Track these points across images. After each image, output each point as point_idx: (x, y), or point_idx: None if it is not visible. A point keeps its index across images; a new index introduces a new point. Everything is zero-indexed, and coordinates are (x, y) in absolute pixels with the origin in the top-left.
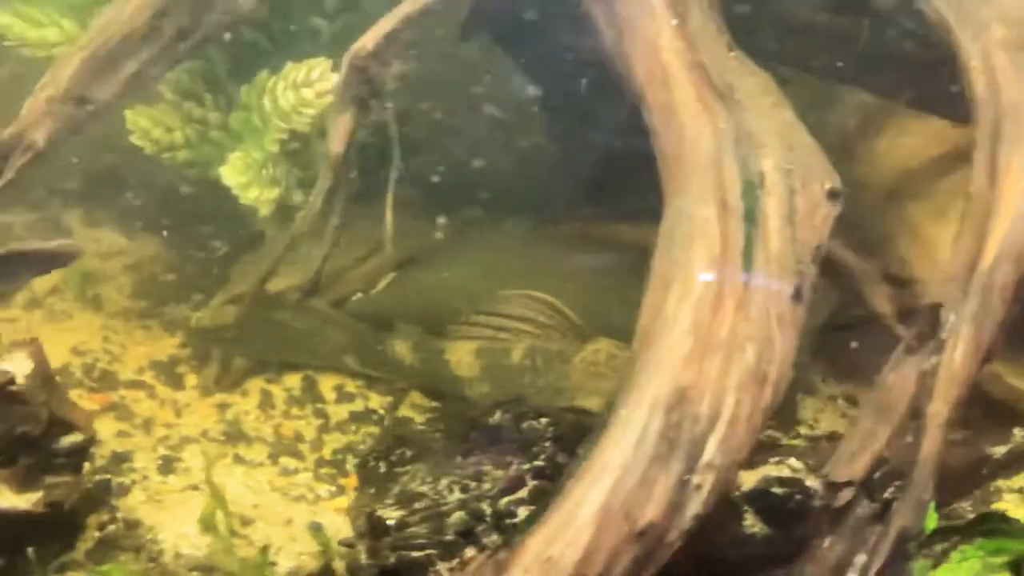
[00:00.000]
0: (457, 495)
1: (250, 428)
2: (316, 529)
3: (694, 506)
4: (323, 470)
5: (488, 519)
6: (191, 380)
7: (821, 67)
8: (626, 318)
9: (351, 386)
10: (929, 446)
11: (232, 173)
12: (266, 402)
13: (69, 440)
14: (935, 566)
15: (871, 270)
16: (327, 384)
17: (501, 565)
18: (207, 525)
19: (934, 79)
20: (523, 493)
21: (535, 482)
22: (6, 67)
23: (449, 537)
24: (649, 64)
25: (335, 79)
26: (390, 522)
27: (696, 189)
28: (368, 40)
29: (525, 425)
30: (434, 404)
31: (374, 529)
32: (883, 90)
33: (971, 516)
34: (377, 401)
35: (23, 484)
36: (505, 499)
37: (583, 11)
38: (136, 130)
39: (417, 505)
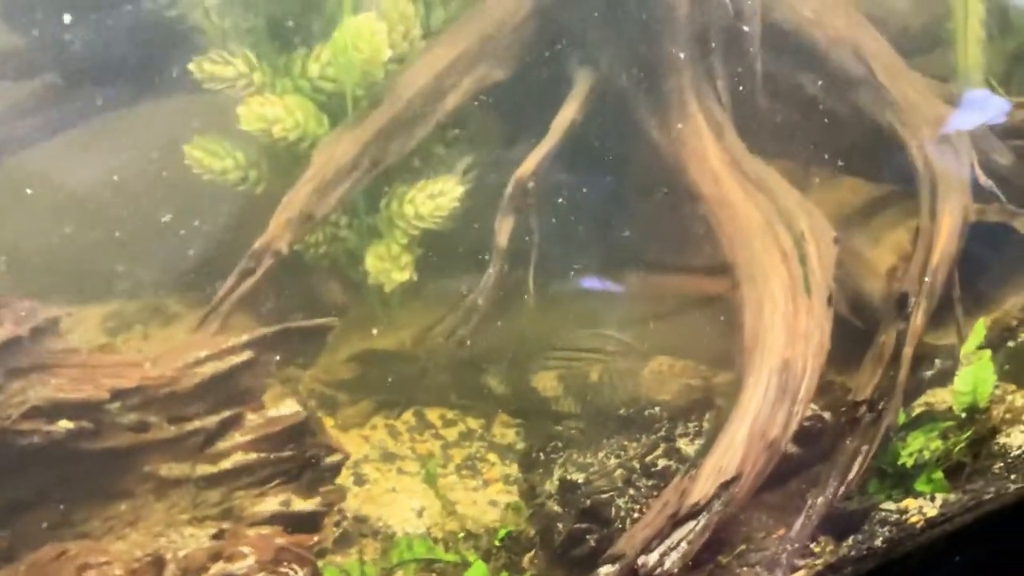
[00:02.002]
0: (614, 460)
1: (395, 450)
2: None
3: (793, 426)
4: (463, 472)
5: (638, 471)
6: (329, 421)
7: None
8: (676, 340)
9: (451, 414)
10: (903, 375)
11: (375, 260)
12: (393, 432)
13: (331, 459)
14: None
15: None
16: (433, 415)
17: (692, 477)
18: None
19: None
20: (659, 452)
21: (664, 444)
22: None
23: (619, 484)
24: (701, 168)
25: (459, 191)
26: (579, 479)
27: (759, 246)
28: (530, 164)
29: (646, 412)
30: (518, 421)
31: (565, 489)
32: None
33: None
34: (474, 423)
35: (308, 492)
36: (648, 457)
37: (645, 134)
38: None
39: (592, 470)
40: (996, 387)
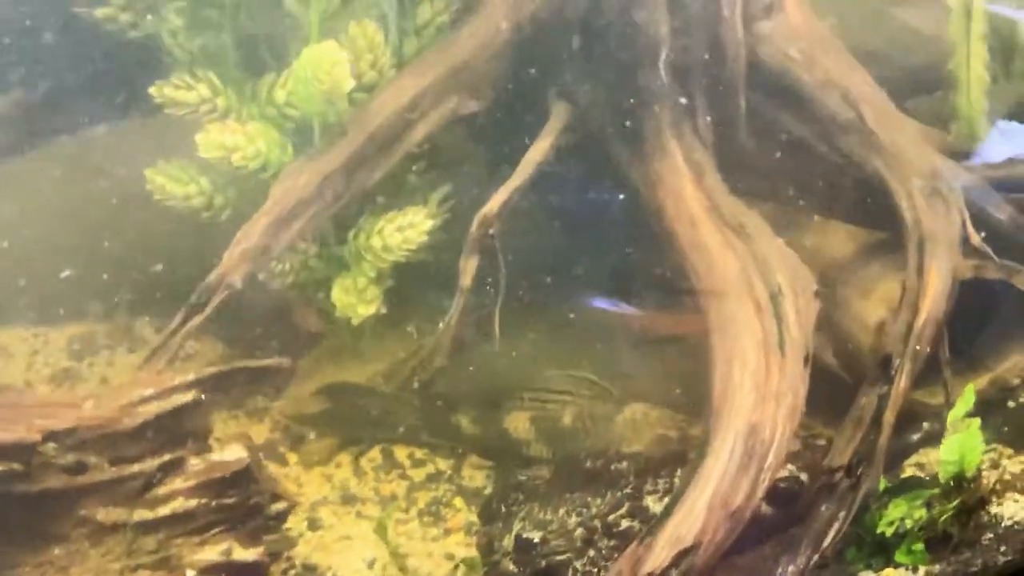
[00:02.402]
0: (575, 518)
1: (356, 491)
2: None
3: (759, 493)
4: (425, 518)
5: (600, 530)
6: (292, 457)
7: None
8: (652, 386)
9: (419, 453)
10: (883, 440)
11: (341, 293)
12: (358, 471)
13: (277, 507)
14: (880, 511)
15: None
16: (401, 453)
17: (647, 545)
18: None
19: (845, 199)
20: (623, 510)
21: (628, 503)
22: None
23: (578, 545)
24: (678, 209)
25: (428, 224)
26: (535, 539)
27: (734, 297)
28: (493, 205)
29: (612, 467)
30: (488, 463)
31: (520, 547)
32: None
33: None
34: (443, 464)
35: (251, 541)
36: (611, 516)
37: (622, 171)
38: None
39: (551, 527)
40: (992, 450)
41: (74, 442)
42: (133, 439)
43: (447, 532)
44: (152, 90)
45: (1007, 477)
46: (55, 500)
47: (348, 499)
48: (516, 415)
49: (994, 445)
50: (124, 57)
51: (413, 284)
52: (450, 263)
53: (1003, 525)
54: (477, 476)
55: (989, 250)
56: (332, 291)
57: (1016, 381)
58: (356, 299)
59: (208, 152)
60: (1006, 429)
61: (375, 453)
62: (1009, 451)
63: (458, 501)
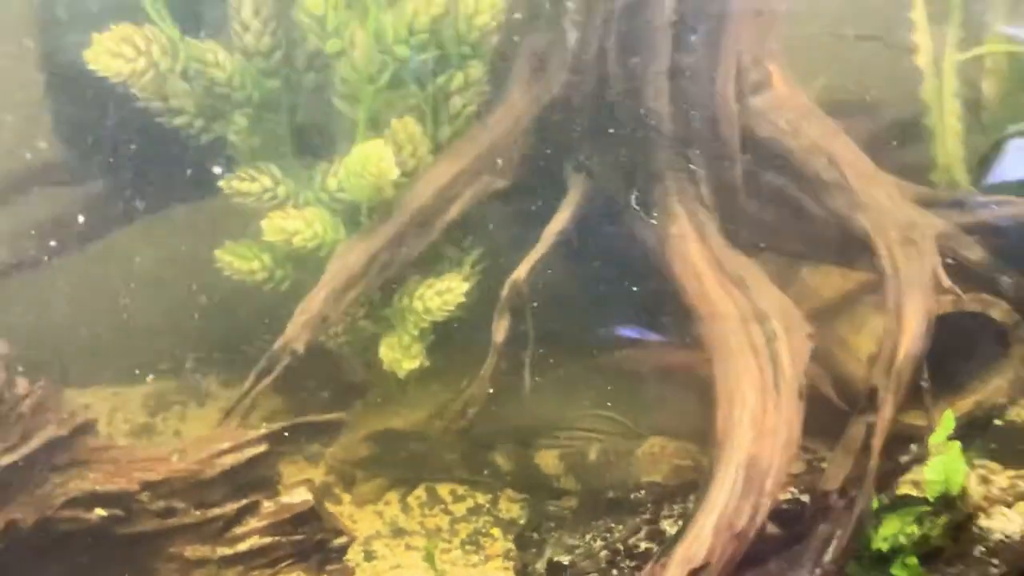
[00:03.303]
0: (599, 542)
1: (404, 525)
2: None
3: (760, 516)
4: (467, 547)
5: (622, 552)
6: (346, 497)
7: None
8: (669, 420)
9: (460, 490)
10: (872, 463)
11: (387, 350)
12: (406, 507)
13: (338, 541)
14: (875, 528)
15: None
16: (444, 490)
17: (662, 564)
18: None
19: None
20: (642, 534)
21: (647, 527)
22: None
23: (603, 565)
24: (684, 266)
25: (464, 287)
26: (565, 562)
27: (734, 343)
28: (521, 272)
29: (632, 496)
30: (523, 496)
31: (552, 570)
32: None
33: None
34: (482, 498)
35: (317, 571)
36: (631, 539)
37: (635, 234)
38: None
39: (577, 552)
40: (982, 466)
41: (165, 491)
42: (214, 486)
43: (487, 559)
44: (222, 184)
45: (995, 492)
46: (149, 540)
47: (397, 532)
48: (546, 452)
49: (984, 462)
50: (197, 151)
51: (452, 336)
52: (484, 315)
53: (993, 539)
54: (513, 508)
55: (959, 291)
56: (380, 348)
57: (1001, 401)
58: (401, 355)
59: (272, 236)
60: (993, 446)
61: (420, 491)
62: (997, 467)
63: (496, 531)
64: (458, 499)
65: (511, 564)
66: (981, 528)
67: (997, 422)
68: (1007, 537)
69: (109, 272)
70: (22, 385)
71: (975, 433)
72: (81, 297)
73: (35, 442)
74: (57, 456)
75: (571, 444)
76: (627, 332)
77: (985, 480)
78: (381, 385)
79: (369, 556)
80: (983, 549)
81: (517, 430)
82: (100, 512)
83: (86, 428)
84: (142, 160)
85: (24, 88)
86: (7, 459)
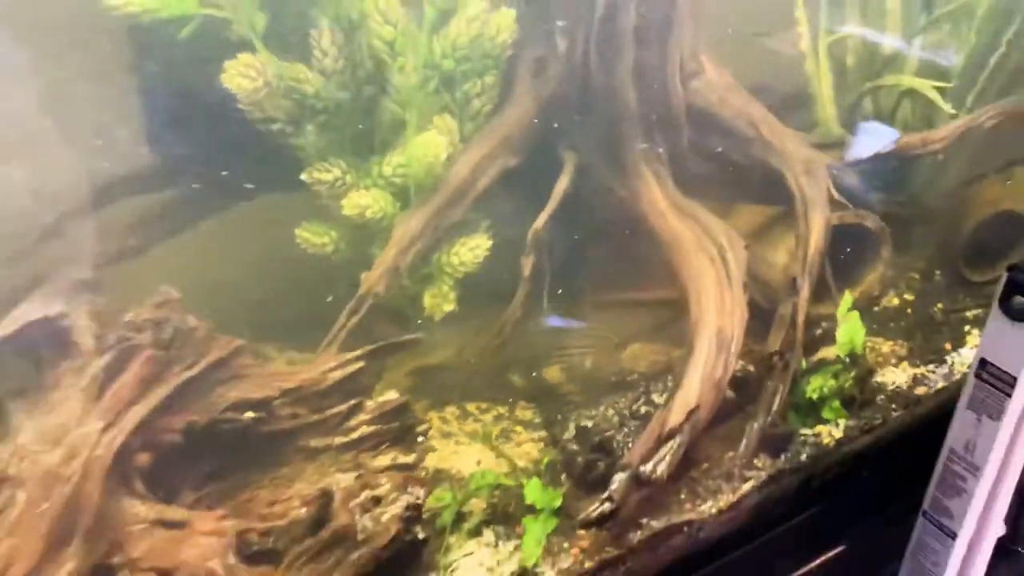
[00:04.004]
0: (611, 411)
1: (449, 430)
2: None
3: (730, 371)
4: (500, 439)
5: (628, 416)
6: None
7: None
8: (644, 333)
9: (484, 405)
10: (799, 334)
11: (429, 298)
12: (444, 421)
13: (420, 428)
14: (805, 385)
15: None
16: (472, 407)
17: (668, 409)
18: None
19: (757, 188)
20: (640, 402)
21: (643, 397)
22: None
23: (616, 426)
24: (652, 209)
25: (488, 244)
26: (588, 425)
27: (695, 257)
28: (540, 220)
29: (627, 379)
30: (533, 404)
31: (579, 433)
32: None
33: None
34: (502, 409)
35: (408, 450)
36: (633, 407)
37: (613, 191)
38: None
39: (596, 418)
40: (867, 341)
41: (294, 398)
42: (327, 395)
43: (519, 444)
44: (303, 175)
45: (880, 356)
46: (283, 436)
47: (446, 435)
48: (550, 368)
49: (869, 337)
50: (278, 151)
51: (470, 293)
52: (494, 272)
53: (889, 389)
54: (527, 413)
55: (846, 201)
56: (424, 298)
57: (876, 293)
58: (441, 300)
59: (350, 211)
60: (874, 326)
61: (454, 408)
62: (879, 339)
63: (519, 428)
64: (483, 411)
65: (540, 443)
66: (878, 383)
67: (875, 308)
68: (899, 388)
69: (209, 255)
70: (192, 320)
71: (863, 316)
72: (184, 276)
73: (205, 362)
74: (220, 372)
75: (569, 358)
76: (612, 270)
77: (873, 349)
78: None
79: (431, 448)
80: (883, 397)
81: (527, 356)
82: (249, 414)
83: (239, 351)
84: (233, 160)
85: (125, 111)
86: (187, 374)
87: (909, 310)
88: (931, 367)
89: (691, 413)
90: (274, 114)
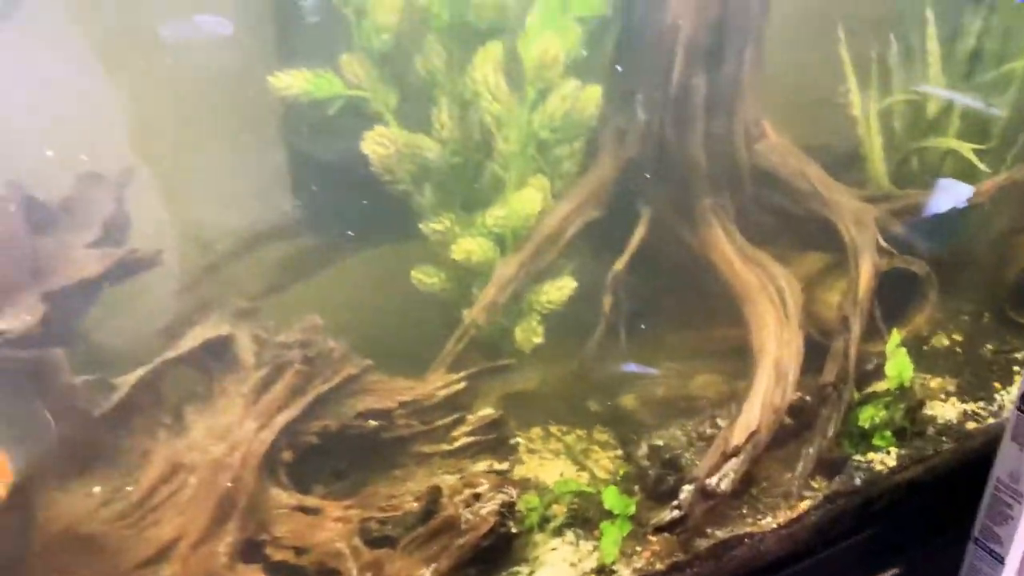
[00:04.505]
0: (680, 432)
1: (535, 448)
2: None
3: (787, 399)
4: (579, 457)
5: (695, 437)
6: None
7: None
8: (710, 363)
9: (565, 428)
10: (851, 366)
11: (520, 333)
12: (529, 440)
13: (512, 441)
14: (857, 415)
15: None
16: (554, 429)
17: (731, 429)
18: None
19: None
20: (707, 425)
21: (708, 421)
22: None
23: (684, 445)
24: (720, 256)
25: (573, 285)
26: (660, 443)
27: (758, 297)
28: (619, 265)
29: (694, 404)
30: (608, 428)
31: (651, 451)
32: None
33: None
34: (581, 432)
35: (502, 458)
36: (699, 428)
37: (688, 243)
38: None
39: (667, 439)
40: (917, 377)
41: (408, 411)
42: (435, 409)
43: (596, 462)
44: (421, 226)
45: (930, 391)
46: (400, 442)
47: (531, 452)
48: (626, 396)
49: (919, 374)
50: (401, 204)
51: (557, 328)
52: (578, 314)
53: (939, 423)
54: (604, 435)
55: (893, 249)
56: (515, 332)
57: (925, 332)
58: (530, 334)
59: (458, 256)
60: (925, 362)
61: (538, 429)
62: (929, 376)
63: (596, 447)
64: (565, 433)
65: (618, 457)
66: (929, 416)
67: (924, 347)
68: (948, 421)
69: (342, 290)
70: (332, 342)
71: (913, 354)
72: (323, 307)
73: (339, 377)
74: (351, 386)
75: (643, 387)
76: (686, 312)
77: (923, 384)
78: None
79: (520, 461)
80: (933, 430)
81: (605, 385)
82: (373, 423)
83: (368, 369)
84: (363, 213)
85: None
86: (325, 387)
87: (959, 349)
88: (981, 404)
89: (752, 435)
90: (400, 175)
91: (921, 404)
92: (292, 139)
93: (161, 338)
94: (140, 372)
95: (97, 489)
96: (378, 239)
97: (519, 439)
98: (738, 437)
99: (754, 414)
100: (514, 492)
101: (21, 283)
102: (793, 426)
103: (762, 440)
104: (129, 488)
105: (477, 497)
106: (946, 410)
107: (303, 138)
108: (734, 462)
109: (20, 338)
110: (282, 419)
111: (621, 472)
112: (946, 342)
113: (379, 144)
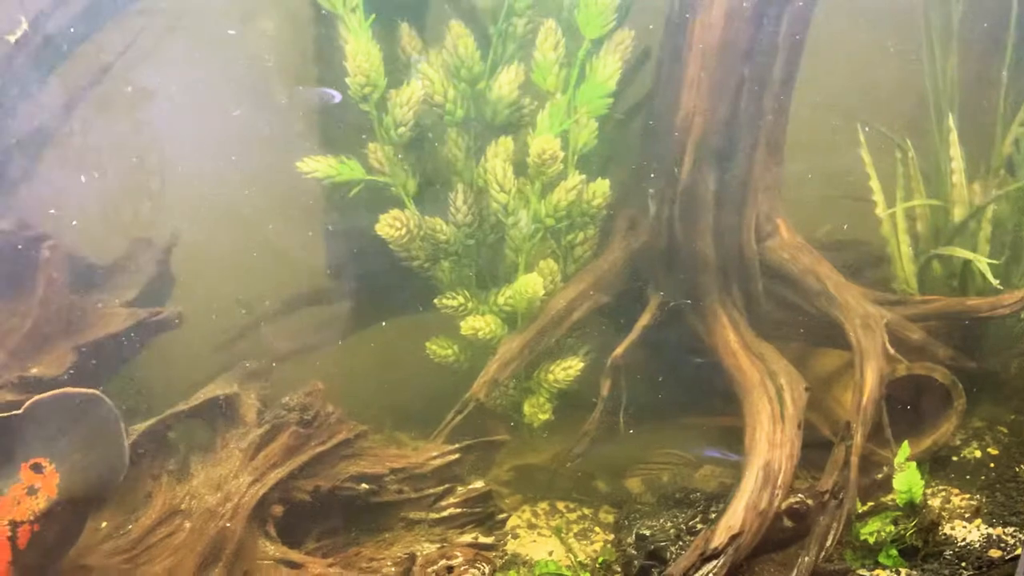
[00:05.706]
0: (670, 524)
1: (536, 523)
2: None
3: (775, 502)
4: (578, 537)
5: (685, 530)
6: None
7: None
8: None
9: (572, 505)
10: (853, 474)
11: (528, 408)
12: (535, 514)
13: (501, 516)
14: (862, 527)
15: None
16: (561, 505)
17: (712, 530)
18: (558, 535)
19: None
20: (698, 519)
21: (700, 515)
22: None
23: (672, 538)
24: (725, 348)
25: (580, 366)
26: (647, 534)
27: (756, 393)
28: (619, 351)
29: (690, 497)
30: (615, 509)
31: (639, 539)
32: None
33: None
34: (587, 511)
35: (488, 532)
36: (690, 522)
37: (696, 331)
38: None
39: (655, 529)
40: (943, 490)
41: (400, 477)
42: (427, 477)
43: (592, 543)
44: (436, 301)
45: (954, 507)
46: (389, 507)
47: (531, 527)
48: (632, 479)
49: (944, 487)
50: (418, 280)
51: (569, 406)
52: (590, 392)
53: (959, 545)
54: (609, 516)
55: (901, 358)
56: (523, 407)
57: (958, 442)
58: (538, 411)
59: (467, 331)
60: (952, 476)
61: (545, 504)
62: (954, 490)
63: (598, 529)
64: (571, 510)
65: (611, 543)
66: (947, 535)
67: (953, 458)
68: (970, 545)
69: (356, 357)
70: (330, 407)
71: (938, 465)
72: (339, 375)
73: (334, 440)
74: (345, 450)
75: (650, 472)
76: (689, 396)
77: (947, 500)
78: (517, 435)
79: (514, 535)
80: (952, 553)
81: (613, 465)
82: (364, 486)
83: (363, 434)
84: (382, 285)
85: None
86: (320, 448)
87: (992, 464)
88: (1011, 529)
89: (734, 537)
90: (416, 254)
91: (936, 524)
92: (328, 217)
93: (178, 391)
94: (151, 421)
95: (104, 524)
96: (398, 311)
97: (524, 513)
98: (719, 539)
99: (737, 516)
100: (487, 568)
101: (55, 335)
102: (794, 529)
103: (745, 544)
104: (130, 526)
105: (450, 570)
106: (969, 532)
107: (337, 216)
108: (714, 564)
109: (52, 382)
110: (275, 475)
111: (600, 560)
112: (978, 454)
113: (392, 226)
